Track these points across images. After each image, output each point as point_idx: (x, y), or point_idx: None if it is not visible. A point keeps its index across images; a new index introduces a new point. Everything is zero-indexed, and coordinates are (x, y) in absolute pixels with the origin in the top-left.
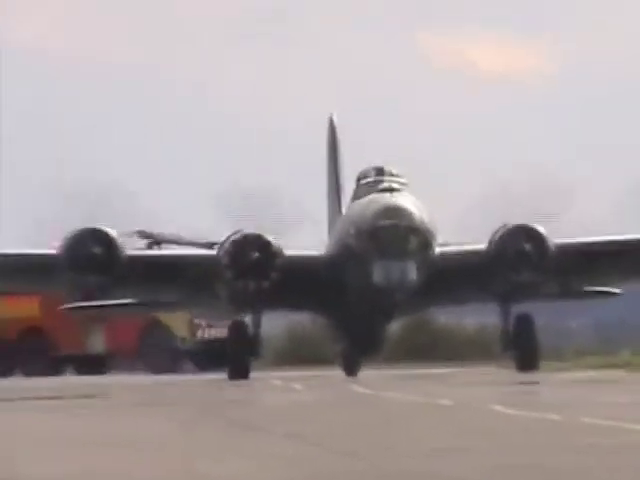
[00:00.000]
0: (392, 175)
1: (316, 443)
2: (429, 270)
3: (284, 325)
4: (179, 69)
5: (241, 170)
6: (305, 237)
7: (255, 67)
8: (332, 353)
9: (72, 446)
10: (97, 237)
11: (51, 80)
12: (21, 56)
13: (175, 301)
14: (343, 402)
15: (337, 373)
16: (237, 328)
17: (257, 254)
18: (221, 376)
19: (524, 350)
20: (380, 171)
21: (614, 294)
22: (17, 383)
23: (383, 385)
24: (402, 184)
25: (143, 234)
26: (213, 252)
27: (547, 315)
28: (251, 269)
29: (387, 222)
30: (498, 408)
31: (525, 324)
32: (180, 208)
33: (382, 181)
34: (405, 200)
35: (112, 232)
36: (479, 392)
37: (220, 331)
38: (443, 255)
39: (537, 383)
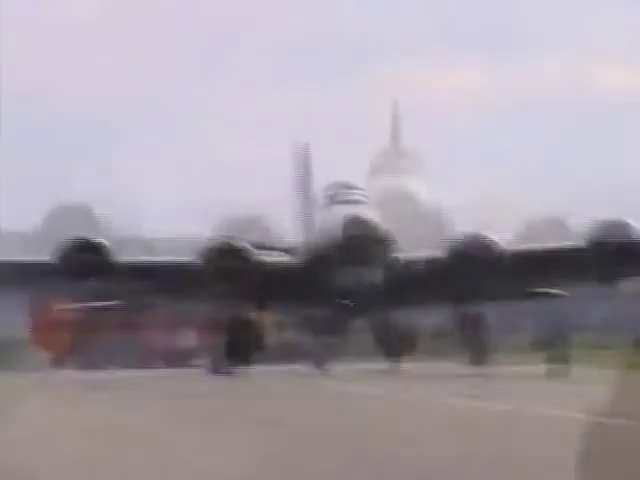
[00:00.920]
0: (355, 189)
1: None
2: (390, 274)
3: None
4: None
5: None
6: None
7: None
8: (303, 349)
9: None
10: (89, 246)
11: None
12: None
13: (158, 302)
14: (312, 394)
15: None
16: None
17: (233, 260)
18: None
19: (476, 347)
20: (345, 185)
21: (559, 296)
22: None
23: (350, 379)
24: (364, 197)
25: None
26: (194, 258)
27: (498, 314)
28: (229, 274)
29: (351, 232)
30: (452, 400)
31: (477, 323)
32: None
33: (347, 194)
34: (367, 212)
35: (104, 241)
36: (436, 386)
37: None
38: (403, 261)
39: (488, 376)
